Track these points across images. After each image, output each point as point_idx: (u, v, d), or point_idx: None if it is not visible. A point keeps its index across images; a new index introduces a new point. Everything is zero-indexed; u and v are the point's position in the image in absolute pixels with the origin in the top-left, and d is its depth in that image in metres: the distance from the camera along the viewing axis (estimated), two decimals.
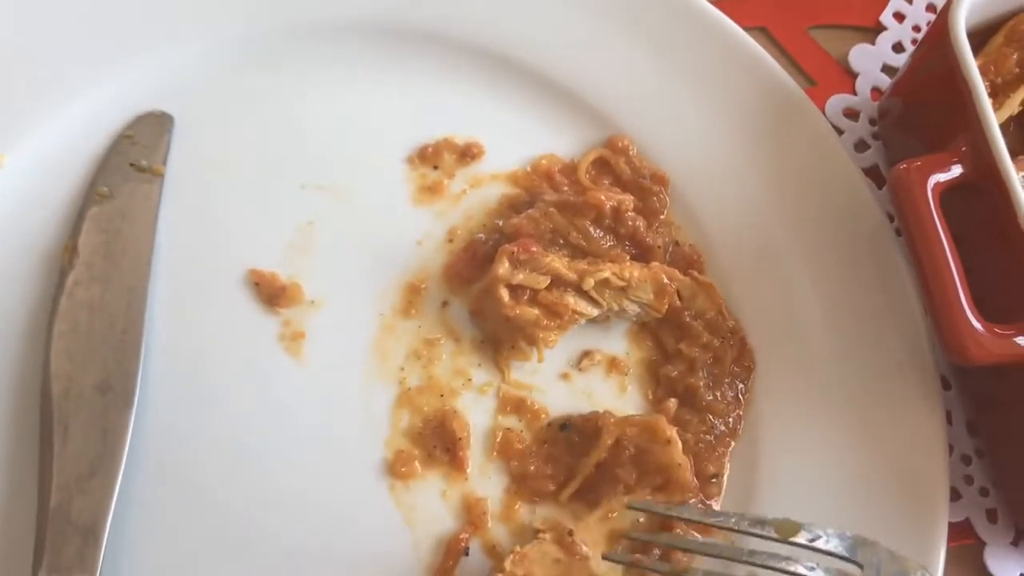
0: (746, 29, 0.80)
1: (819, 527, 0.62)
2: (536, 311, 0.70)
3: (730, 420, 0.71)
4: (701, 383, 0.71)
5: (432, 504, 0.68)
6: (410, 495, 0.68)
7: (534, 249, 0.70)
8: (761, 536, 0.62)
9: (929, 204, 0.65)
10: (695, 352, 0.72)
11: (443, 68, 0.79)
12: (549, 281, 0.70)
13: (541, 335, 0.70)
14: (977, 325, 0.63)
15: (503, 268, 0.69)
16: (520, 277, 0.69)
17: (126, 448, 0.65)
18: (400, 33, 0.79)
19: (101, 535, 0.62)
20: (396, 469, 0.68)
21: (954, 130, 0.69)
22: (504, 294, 0.69)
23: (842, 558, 0.61)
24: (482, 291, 0.71)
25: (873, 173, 0.83)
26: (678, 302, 0.73)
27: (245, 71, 0.77)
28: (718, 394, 0.72)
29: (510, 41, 0.79)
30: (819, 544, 0.61)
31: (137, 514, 0.66)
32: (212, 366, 0.70)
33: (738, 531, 0.63)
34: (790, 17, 0.87)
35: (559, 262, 0.70)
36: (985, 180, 0.66)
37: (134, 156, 0.74)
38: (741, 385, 0.73)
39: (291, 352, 0.71)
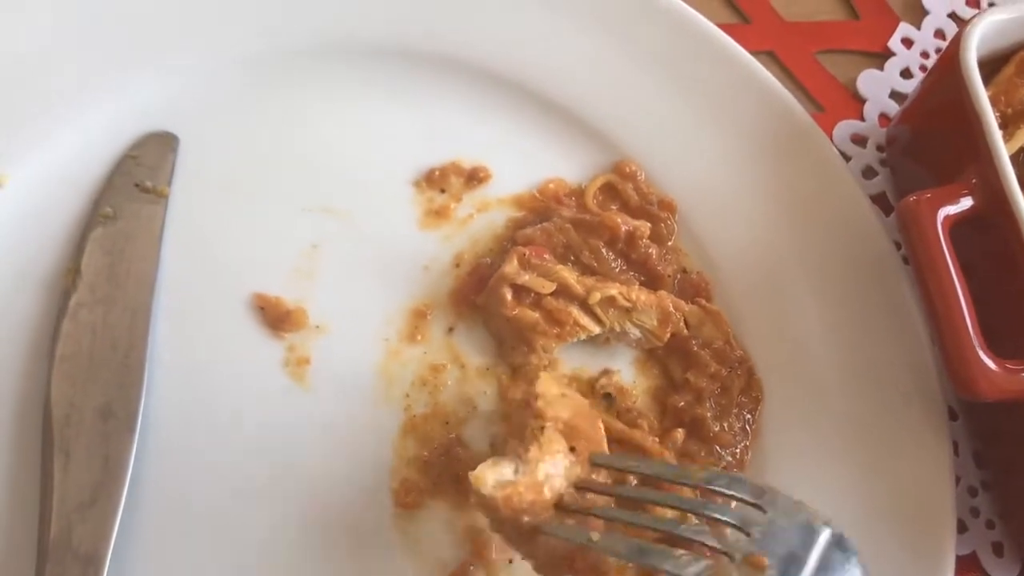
0: (753, 53, 0.80)
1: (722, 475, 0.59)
2: (536, 315, 0.69)
3: (737, 451, 0.71)
4: (709, 413, 0.71)
5: (437, 534, 0.68)
6: (415, 525, 0.68)
7: (546, 256, 0.70)
8: (683, 483, 0.60)
9: (939, 238, 0.65)
10: (703, 382, 0.71)
11: (451, 91, 0.78)
12: (555, 287, 0.69)
13: (540, 341, 0.70)
14: (987, 361, 0.63)
15: (511, 266, 0.69)
16: (526, 278, 0.69)
17: (128, 475, 0.65)
18: (408, 56, 0.78)
19: (102, 565, 0.62)
20: (401, 498, 0.68)
21: (963, 160, 0.69)
22: (507, 293, 0.69)
23: (747, 502, 0.58)
24: (489, 288, 0.71)
25: (880, 200, 0.82)
26: (685, 331, 0.73)
27: (251, 92, 0.77)
28: (725, 425, 0.71)
29: (518, 65, 0.79)
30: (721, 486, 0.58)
31: (139, 543, 0.65)
32: (216, 391, 0.69)
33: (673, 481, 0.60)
34: (797, 42, 0.87)
35: (568, 273, 0.70)
36: (995, 213, 0.66)
37: (139, 177, 0.74)
38: (748, 416, 0.72)
39: (296, 378, 0.70)
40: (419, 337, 0.72)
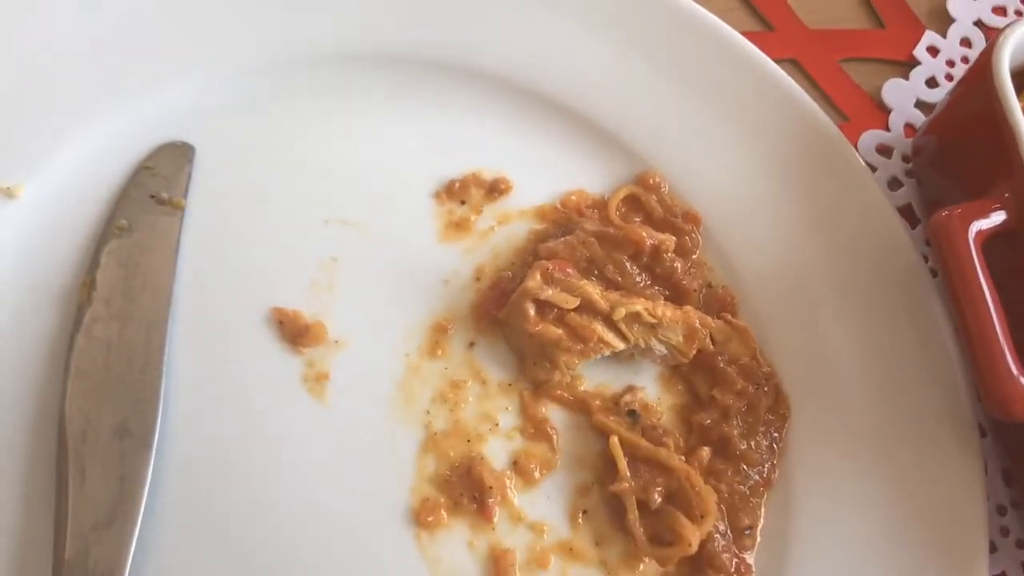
0: (777, 61, 0.79)
1: None
2: (560, 331, 0.68)
3: (764, 470, 0.70)
4: (735, 431, 0.69)
5: (458, 555, 0.66)
6: (436, 545, 0.66)
7: (569, 270, 0.69)
8: None
9: (971, 253, 0.64)
10: (729, 399, 0.70)
11: (471, 102, 0.77)
12: (579, 303, 0.68)
13: (563, 357, 0.69)
14: (1022, 380, 0.61)
15: (534, 281, 0.68)
16: (549, 293, 0.68)
17: (145, 494, 0.63)
18: (427, 66, 0.77)
19: None
20: (422, 518, 0.66)
21: (993, 172, 0.68)
22: (530, 308, 0.68)
23: None
24: (511, 303, 0.69)
25: (906, 212, 0.81)
26: (711, 347, 0.71)
27: (268, 102, 0.76)
28: (752, 443, 0.70)
29: (538, 75, 0.77)
30: None
31: (156, 564, 0.63)
32: (234, 408, 0.68)
33: None
34: (822, 50, 0.86)
35: (592, 288, 0.69)
36: None
37: (154, 188, 0.72)
38: (775, 434, 0.71)
39: (314, 393, 0.69)
40: (439, 352, 0.71)
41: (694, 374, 0.72)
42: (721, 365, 0.71)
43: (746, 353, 0.72)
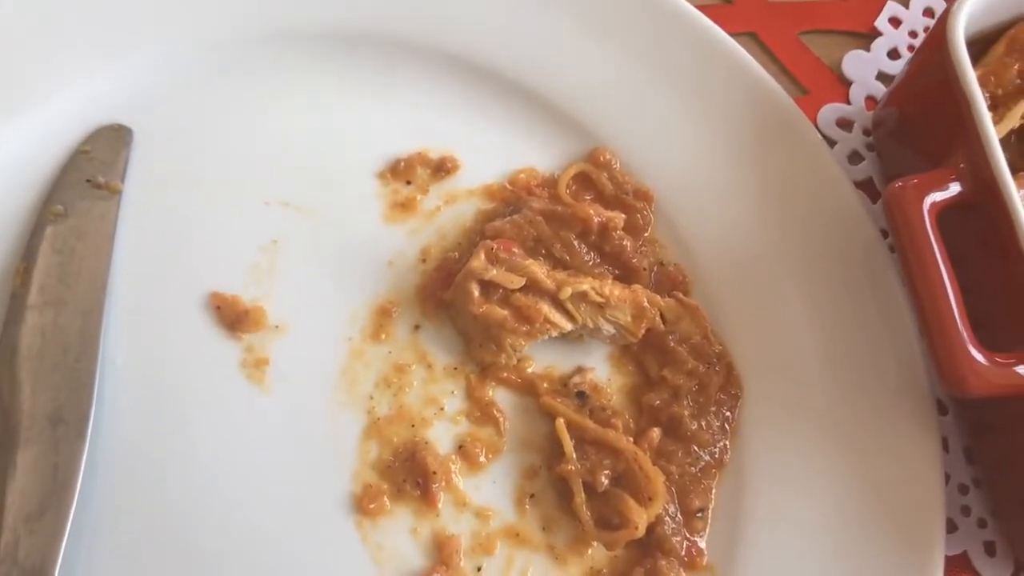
0: (734, 35, 0.77)
1: None
2: (505, 312, 0.66)
3: (716, 450, 0.68)
4: (686, 412, 0.68)
5: (401, 542, 0.65)
6: (378, 532, 0.65)
7: (515, 250, 0.67)
8: None
9: (926, 225, 0.62)
10: (680, 379, 0.68)
11: (416, 79, 0.75)
12: (524, 283, 0.66)
13: (509, 339, 0.67)
14: (976, 355, 0.60)
15: (478, 261, 0.66)
16: (493, 273, 0.66)
17: (78, 484, 0.62)
18: (371, 43, 0.75)
19: None
20: (364, 505, 0.65)
21: (952, 143, 0.66)
22: (475, 289, 0.66)
23: None
24: (455, 284, 0.68)
25: (867, 186, 0.79)
26: (662, 326, 0.70)
27: (207, 83, 0.74)
28: (703, 423, 0.68)
29: (486, 51, 0.75)
30: None
31: (89, 555, 0.62)
32: (171, 395, 0.66)
33: None
34: (780, 22, 0.84)
35: (538, 267, 0.67)
36: (984, 198, 0.63)
37: (91, 172, 0.71)
38: (728, 413, 0.69)
39: (254, 380, 0.67)
40: (384, 336, 0.69)
41: (644, 354, 0.71)
42: (672, 344, 0.69)
43: (697, 332, 0.70)
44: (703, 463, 0.68)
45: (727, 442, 0.69)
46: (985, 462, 0.72)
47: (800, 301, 0.72)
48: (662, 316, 0.70)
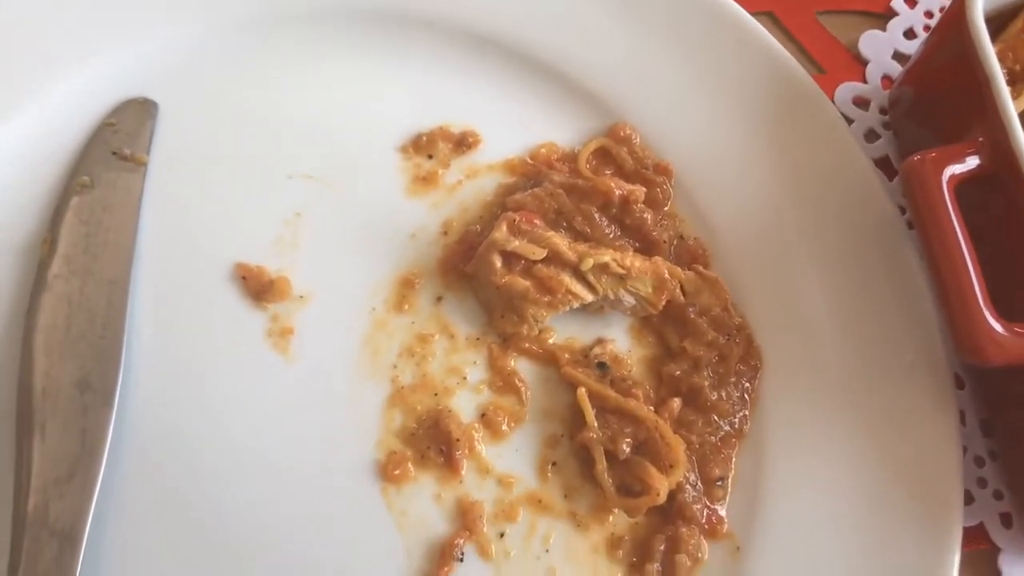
0: (752, 14, 0.77)
1: None
2: (527, 283, 0.67)
3: (736, 421, 0.69)
4: (706, 382, 0.68)
5: (425, 508, 0.65)
6: (402, 499, 0.65)
7: (537, 222, 0.68)
8: None
9: (944, 198, 0.63)
10: (700, 350, 0.69)
11: (439, 55, 0.76)
12: (546, 254, 0.67)
13: (531, 309, 0.68)
14: (995, 324, 0.60)
15: (500, 233, 0.67)
16: (516, 244, 0.67)
17: (106, 449, 0.63)
18: (394, 18, 0.76)
19: (80, 540, 0.60)
20: (388, 472, 0.66)
21: (969, 120, 0.67)
22: (497, 260, 0.67)
23: None
24: (478, 255, 0.69)
25: (883, 164, 0.80)
26: (682, 298, 0.70)
27: (233, 56, 0.75)
28: (723, 394, 0.69)
29: (509, 27, 0.76)
30: None
31: (117, 518, 0.63)
32: (196, 363, 0.67)
33: None
34: (798, 2, 0.85)
35: (560, 239, 0.68)
36: (1003, 172, 0.63)
37: (116, 144, 0.72)
38: (747, 384, 0.70)
39: (279, 349, 0.68)
40: (406, 307, 0.70)
41: (665, 325, 0.71)
42: (692, 316, 0.70)
43: (717, 304, 0.71)
44: (723, 433, 0.68)
45: (747, 412, 0.69)
46: (1001, 435, 0.73)
47: (818, 275, 0.72)
48: (682, 288, 0.70)
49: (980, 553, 0.71)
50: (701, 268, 0.72)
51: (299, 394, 0.67)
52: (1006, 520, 0.71)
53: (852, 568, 0.65)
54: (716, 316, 0.70)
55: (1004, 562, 0.70)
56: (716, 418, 0.68)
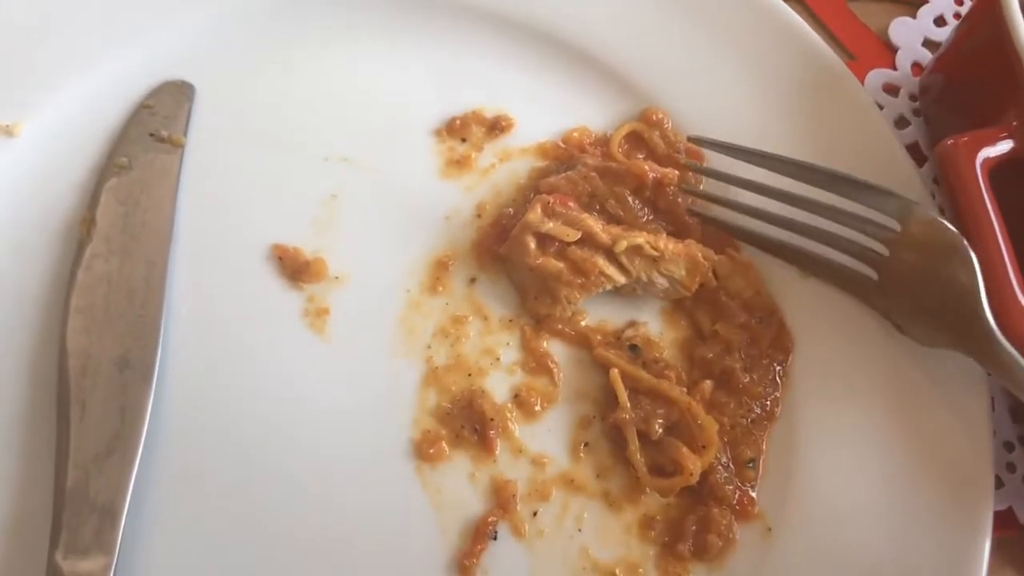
0: (784, 1, 0.77)
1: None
2: (561, 265, 0.67)
3: (767, 403, 0.69)
4: (738, 365, 0.69)
5: (460, 487, 0.66)
6: (437, 477, 0.66)
7: (571, 204, 0.68)
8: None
9: (978, 180, 0.63)
10: (731, 333, 0.69)
11: (472, 39, 0.77)
12: (579, 236, 0.67)
13: (564, 291, 0.68)
14: None
15: (534, 214, 0.67)
16: (550, 226, 0.67)
17: (145, 426, 0.63)
18: (429, 3, 0.77)
19: (119, 515, 0.60)
20: (423, 450, 0.66)
21: (1000, 106, 0.67)
22: (531, 242, 0.67)
23: None
24: (512, 237, 0.69)
25: (913, 150, 0.80)
26: (714, 281, 0.71)
27: (268, 40, 0.75)
28: (755, 376, 0.69)
29: (541, 11, 0.77)
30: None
31: (156, 494, 0.63)
32: (233, 342, 0.68)
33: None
34: None
35: (594, 221, 0.68)
36: None
37: (154, 126, 0.72)
38: (779, 367, 0.70)
39: (315, 329, 0.69)
40: (440, 288, 0.71)
41: (697, 309, 0.72)
42: (724, 299, 0.70)
43: (749, 288, 0.71)
44: (754, 415, 0.69)
45: (778, 394, 0.69)
46: None
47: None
48: (714, 272, 0.71)
49: (1009, 538, 0.71)
50: (733, 252, 0.72)
51: (335, 373, 0.68)
52: None
53: (882, 549, 0.65)
54: (748, 300, 0.71)
55: None
56: (748, 400, 0.69)
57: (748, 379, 0.69)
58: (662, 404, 0.66)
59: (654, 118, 0.75)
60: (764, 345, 0.70)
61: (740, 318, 0.70)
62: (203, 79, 0.74)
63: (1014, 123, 0.65)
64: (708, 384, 0.68)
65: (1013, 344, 0.61)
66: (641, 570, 0.65)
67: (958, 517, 0.66)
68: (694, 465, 0.64)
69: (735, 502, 0.66)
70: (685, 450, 0.65)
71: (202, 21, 0.75)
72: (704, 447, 0.65)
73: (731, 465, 0.67)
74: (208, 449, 0.65)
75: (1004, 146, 0.65)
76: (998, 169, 0.65)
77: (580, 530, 0.66)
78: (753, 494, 0.67)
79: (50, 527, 0.60)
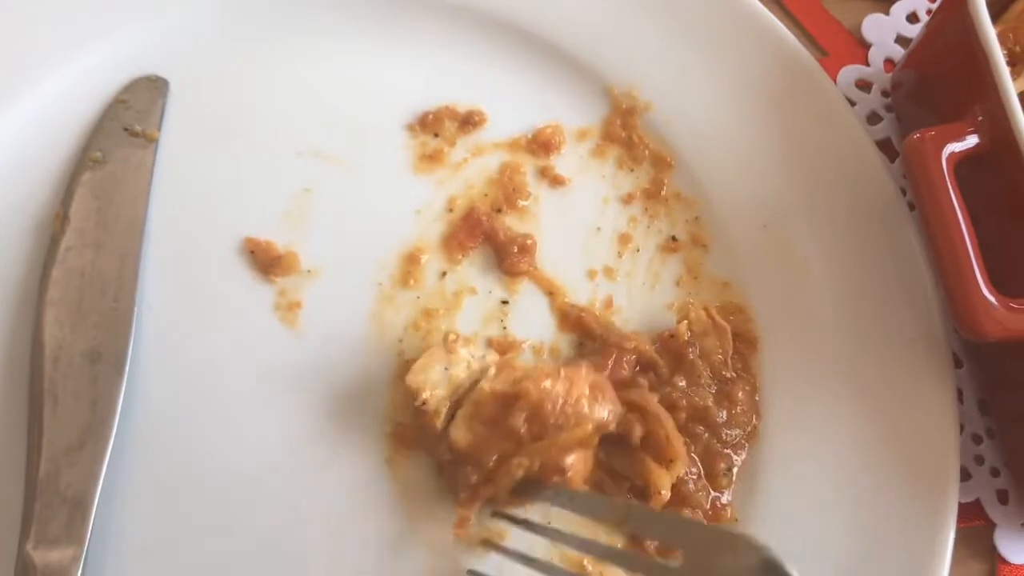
0: None
1: None
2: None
3: (745, 433, 0.69)
4: (710, 401, 0.69)
5: (432, 481, 0.66)
6: (410, 471, 0.66)
7: None
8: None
9: (943, 175, 0.64)
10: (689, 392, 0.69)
11: (445, 33, 0.77)
12: None
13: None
14: (992, 299, 0.61)
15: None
16: None
17: (116, 418, 0.64)
18: None
19: (90, 507, 0.61)
20: (395, 444, 0.67)
21: (970, 101, 0.68)
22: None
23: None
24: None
25: (885, 146, 0.81)
26: (687, 335, 0.70)
27: (242, 35, 0.76)
28: (730, 412, 0.69)
29: (515, 6, 0.77)
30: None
31: (126, 486, 0.64)
32: (205, 335, 0.68)
33: None
34: None
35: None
36: (1002, 150, 0.64)
37: (128, 121, 0.73)
38: (740, 366, 0.71)
39: (287, 322, 0.69)
40: (412, 282, 0.71)
41: (662, 355, 0.71)
42: (691, 357, 0.70)
43: (719, 352, 0.71)
44: (732, 440, 0.69)
45: (756, 423, 0.70)
46: (999, 414, 0.74)
47: (820, 255, 0.73)
48: (689, 325, 0.70)
49: (976, 529, 0.71)
50: (714, 312, 0.71)
51: (307, 366, 0.68)
52: (1002, 497, 0.72)
53: (850, 542, 0.66)
54: (715, 363, 0.70)
55: (999, 538, 0.71)
56: (726, 432, 0.69)
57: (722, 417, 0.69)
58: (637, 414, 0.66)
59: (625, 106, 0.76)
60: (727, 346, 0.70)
61: (702, 378, 0.69)
62: (177, 75, 0.74)
63: (980, 118, 0.65)
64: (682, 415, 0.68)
65: (975, 338, 0.61)
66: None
67: (924, 508, 0.66)
68: (662, 481, 0.64)
69: (708, 507, 0.67)
70: (653, 465, 0.64)
71: (176, 17, 0.75)
72: (671, 460, 0.64)
73: (702, 478, 0.67)
74: (179, 441, 0.66)
75: (970, 140, 0.65)
76: (966, 165, 0.65)
77: (549, 523, 0.66)
78: (726, 500, 0.67)
79: (20, 519, 0.60)
